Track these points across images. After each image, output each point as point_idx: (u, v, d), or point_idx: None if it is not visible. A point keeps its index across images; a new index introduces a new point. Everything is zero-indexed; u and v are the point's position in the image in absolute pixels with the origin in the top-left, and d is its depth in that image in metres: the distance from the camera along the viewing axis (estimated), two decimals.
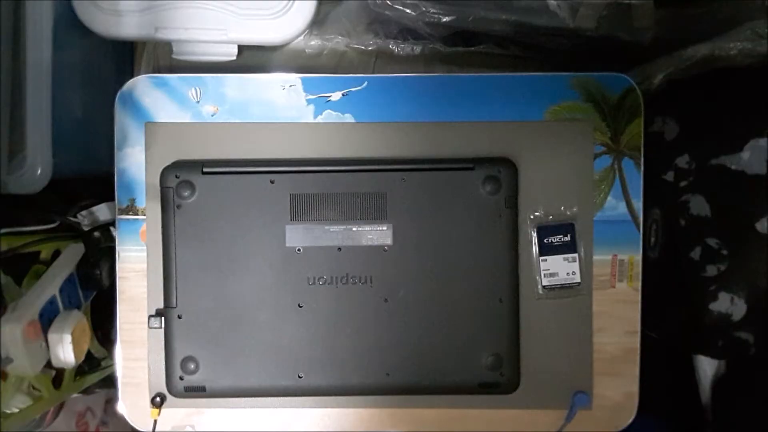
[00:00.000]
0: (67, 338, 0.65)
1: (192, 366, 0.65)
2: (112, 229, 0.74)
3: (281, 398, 0.67)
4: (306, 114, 0.67)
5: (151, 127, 0.67)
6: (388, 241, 0.65)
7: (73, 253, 0.72)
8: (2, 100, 0.65)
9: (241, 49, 0.72)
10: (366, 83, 0.67)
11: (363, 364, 0.66)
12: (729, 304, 0.68)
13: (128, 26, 0.68)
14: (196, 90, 0.67)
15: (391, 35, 0.77)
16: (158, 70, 0.78)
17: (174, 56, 0.71)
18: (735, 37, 0.67)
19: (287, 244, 0.65)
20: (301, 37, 0.74)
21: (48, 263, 0.70)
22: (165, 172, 0.65)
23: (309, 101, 0.67)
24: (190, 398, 0.67)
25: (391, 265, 0.65)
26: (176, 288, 0.65)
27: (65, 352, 0.65)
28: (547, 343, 0.67)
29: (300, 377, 0.66)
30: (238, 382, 0.66)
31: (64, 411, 0.88)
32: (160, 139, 0.67)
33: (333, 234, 0.65)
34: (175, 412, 0.68)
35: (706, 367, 0.77)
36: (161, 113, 0.67)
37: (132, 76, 0.74)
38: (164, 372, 0.66)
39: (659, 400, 0.76)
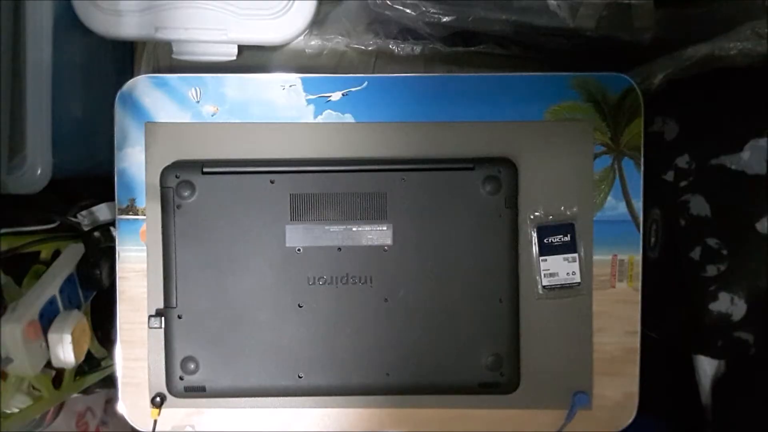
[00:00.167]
0: (67, 338, 0.65)
1: (192, 366, 0.65)
2: (112, 229, 0.74)
3: (281, 398, 0.67)
4: (306, 114, 0.67)
5: (151, 127, 0.67)
6: (388, 241, 0.65)
7: (73, 253, 0.72)
8: (2, 100, 0.65)
9: (241, 49, 0.72)
10: (366, 83, 0.67)
11: (363, 364, 0.66)
12: (729, 304, 0.68)
13: (128, 26, 0.68)
14: (196, 90, 0.67)
15: (391, 35, 0.76)
16: (158, 70, 0.78)
17: (174, 56, 0.71)
18: (735, 37, 0.67)
19: (287, 244, 0.65)
20: (301, 37, 0.74)
21: (48, 263, 0.70)
22: (165, 172, 0.65)
23: (309, 101, 0.67)
24: (190, 398, 0.67)
25: (391, 265, 0.65)
26: (176, 288, 0.65)
27: (65, 352, 0.65)
28: (547, 343, 0.67)
29: (300, 377, 0.66)
30: (238, 382, 0.66)
31: (64, 411, 0.88)
32: (160, 139, 0.67)
33: (333, 234, 0.65)
34: (175, 412, 0.68)
35: (706, 367, 0.77)
36: (161, 113, 0.67)
37: (132, 76, 0.74)
38: (164, 372, 0.66)
39: (659, 400, 0.76)
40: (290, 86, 0.67)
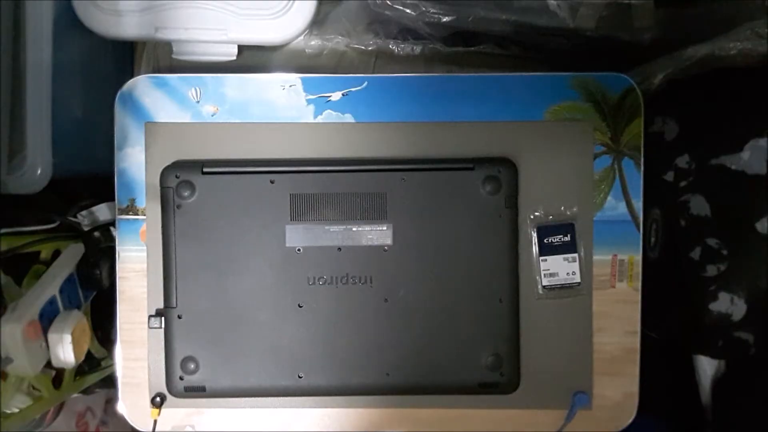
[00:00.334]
0: (67, 338, 0.65)
1: (192, 366, 0.65)
2: (112, 229, 0.74)
3: (281, 398, 0.67)
4: (306, 114, 0.67)
5: (151, 127, 0.67)
6: (388, 241, 0.65)
7: (73, 253, 0.72)
8: (2, 100, 0.65)
9: (241, 49, 0.72)
10: (366, 83, 0.67)
11: (363, 364, 0.66)
12: (729, 304, 0.68)
13: (128, 26, 0.68)
14: (196, 90, 0.67)
15: (391, 35, 0.77)
16: (158, 70, 0.78)
17: (174, 56, 0.71)
18: (735, 37, 0.67)
19: (287, 244, 0.65)
20: (301, 37, 0.74)
21: (48, 263, 0.70)
22: (165, 172, 0.65)
23: (309, 101, 0.67)
24: (190, 398, 0.67)
25: (391, 265, 0.65)
26: (176, 288, 0.65)
27: (65, 352, 0.65)
28: (547, 343, 0.67)
29: (300, 377, 0.66)
30: (238, 382, 0.66)
31: (64, 411, 0.88)
32: (160, 139, 0.67)
33: (333, 234, 0.65)
34: (175, 412, 0.68)
35: (706, 367, 0.77)
36: (161, 113, 0.67)
37: (132, 76, 0.74)
38: (164, 372, 0.66)
39: (659, 400, 0.76)
40: (290, 86, 0.67)
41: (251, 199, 0.65)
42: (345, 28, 0.76)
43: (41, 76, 0.67)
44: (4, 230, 0.65)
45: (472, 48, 0.77)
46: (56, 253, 0.72)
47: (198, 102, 0.67)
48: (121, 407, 0.69)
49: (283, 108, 0.68)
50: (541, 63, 0.78)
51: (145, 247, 0.67)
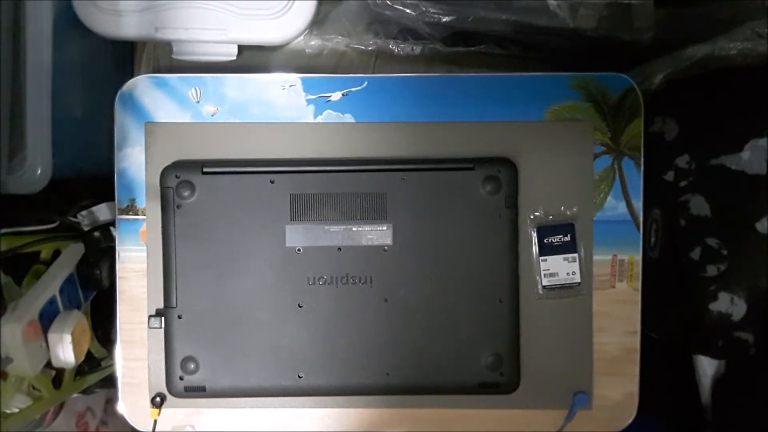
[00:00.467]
0: (67, 338, 0.65)
1: (192, 366, 0.65)
2: (112, 229, 0.74)
3: (281, 398, 0.67)
4: (306, 114, 0.67)
5: (151, 127, 0.67)
6: (388, 241, 0.65)
7: (73, 253, 0.72)
8: (2, 100, 0.65)
9: (241, 49, 0.72)
10: (366, 83, 0.67)
11: (363, 364, 0.66)
12: (729, 304, 0.68)
13: (128, 26, 0.68)
14: (196, 90, 0.67)
15: (391, 35, 0.76)
16: (158, 70, 0.78)
17: (174, 56, 0.71)
18: (735, 37, 0.67)
19: (287, 244, 0.65)
20: (301, 37, 0.74)
21: (48, 263, 0.70)
22: (165, 172, 0.65)
23: (309, 101, 0.67)
24: (190, 398, 0.67)
25: (391, 265, 0.65)
26: (176, 288, 0.65)
27: (65, 352, 0.65)
28: (547, 343, 0.67)
29: (300, 377, 0.66)
30: (238, 382, 0.66)
31: (64, 411, 0.88)
32: (160, 139, 0.67)
33: (333, 234, 0.65)
34: (175, 412, 0.68)
35: (706, 367, 0.77)
36: (161, 113, 0.67)
37: (132, 76, 0.74)
38: (164, 372, 0.66)
39: (659, 400, 0.76)
40: (290, 86, 0.67)
41: (251, 199, 0.65)
42: (345, 28, 0.76)
43: (41, 76, 0.67)
44: (4, 230, 0.65)
45: (472, 48, 0.77)
46: (56, 253, 0.72)
47: (198, 102, 0.67)
48: (121, 407, 0.69)
49: (283, 108, 0.68)
50: (541, 63, 0.78)
51: (145, 247, 0.67)
